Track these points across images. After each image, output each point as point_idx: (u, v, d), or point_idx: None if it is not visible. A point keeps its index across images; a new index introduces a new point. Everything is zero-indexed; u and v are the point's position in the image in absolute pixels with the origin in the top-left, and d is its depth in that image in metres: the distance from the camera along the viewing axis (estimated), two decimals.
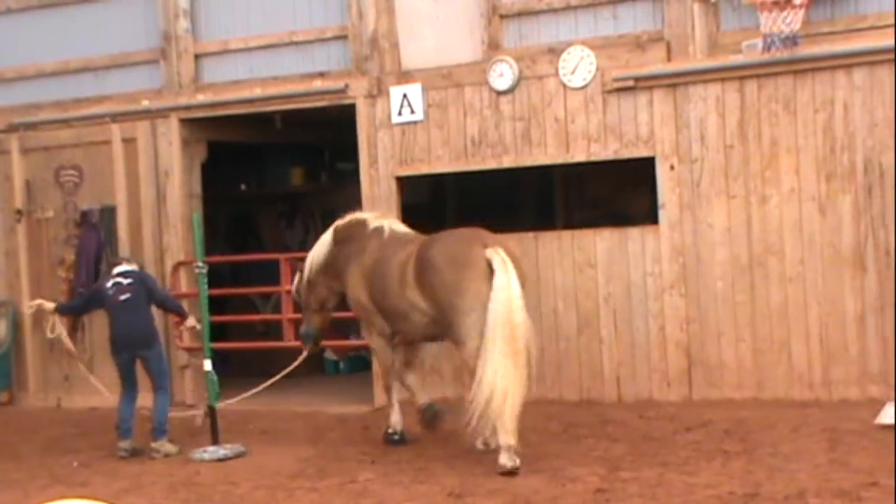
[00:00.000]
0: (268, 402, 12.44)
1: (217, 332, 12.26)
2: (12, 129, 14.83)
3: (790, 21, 11.04)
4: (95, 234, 14.18)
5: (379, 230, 10.84)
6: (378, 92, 13.03)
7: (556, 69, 12.25)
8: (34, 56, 15.01)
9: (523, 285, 9.70)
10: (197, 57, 14.14)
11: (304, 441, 11.23)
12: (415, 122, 12.89)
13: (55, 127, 14.66)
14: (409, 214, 13.14)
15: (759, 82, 11.51)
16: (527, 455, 9.88)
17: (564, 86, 12.24)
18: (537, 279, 12.36)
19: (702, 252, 11.78)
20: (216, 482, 9.77)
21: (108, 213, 14.18)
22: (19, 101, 15.03)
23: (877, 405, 10.43)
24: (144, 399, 11.36)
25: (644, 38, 12.02)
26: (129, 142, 14.16)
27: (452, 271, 9.79)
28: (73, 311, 12.46)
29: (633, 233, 12.15)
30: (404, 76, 12.94)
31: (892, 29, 10.82)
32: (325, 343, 12.99)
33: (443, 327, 10.07)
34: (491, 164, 12.68)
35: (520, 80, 12.39)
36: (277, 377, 11.95)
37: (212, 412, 11.08)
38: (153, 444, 10.99)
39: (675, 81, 11.80)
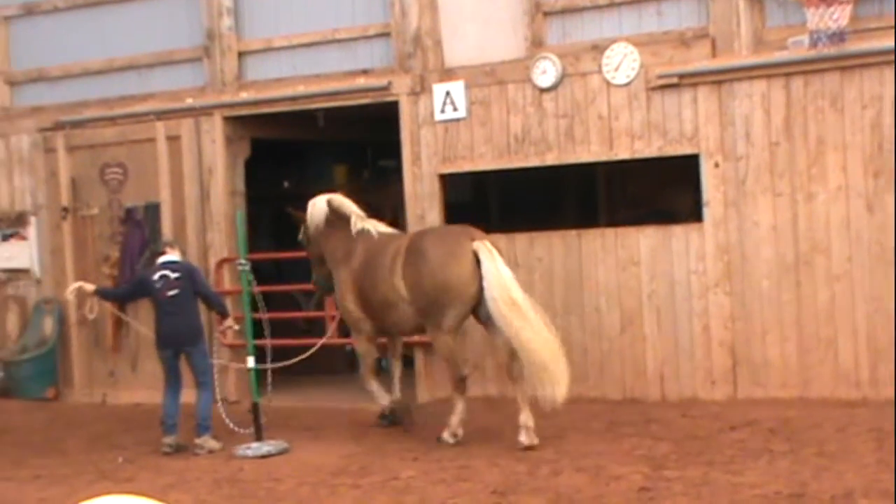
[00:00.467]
0: (311, 398, 12.47)
1: (260, 329, 12.28)
2: (58, 127, 14.96)
3: (837, 17, 10.92)
4: (140, 231, 14.29)
5: (365, 233, 11.47)
6: (421, 89, 13.02)
7: (600, 66, 12.19)
8: (80, 55, 15.15)
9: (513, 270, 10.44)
10: (240, 55, 14.19)
11: (347, 438, 11.25)
12: (458, 120, 12.87)
13: (100, 125, 14.77)
14: (452, 212, 13.15)
15: (806, 79, 11.40)
16: (570, 453, 9.88)
17: (608, 83, 12.18)
18: (580, 277, 12.33)
19: (747, 250, 11.69)
20: (259, 478, 9.81)
21: (153, 210, 14.26)
22: (65, 99, 15.16)
23: None
24: (187, 395, 11.41)
25: (689, 34, 11.94)
26: (173, 139, 14.24)
27: (438, 261, 10.52)
28: (116, 298, 12.51)
29: (677, 230, 12.07)
30: (447, 73, 12.93)
31: None
32: None
33: (421, 315, 10.75)
34: (534, 162, 12.64)
35: (563, 77, 12.34)
36: (300, 357, 12.25)
37: (254, 408, 11.12)
38: (196, 441, 11.04)
39: (720, 78, 11.71)
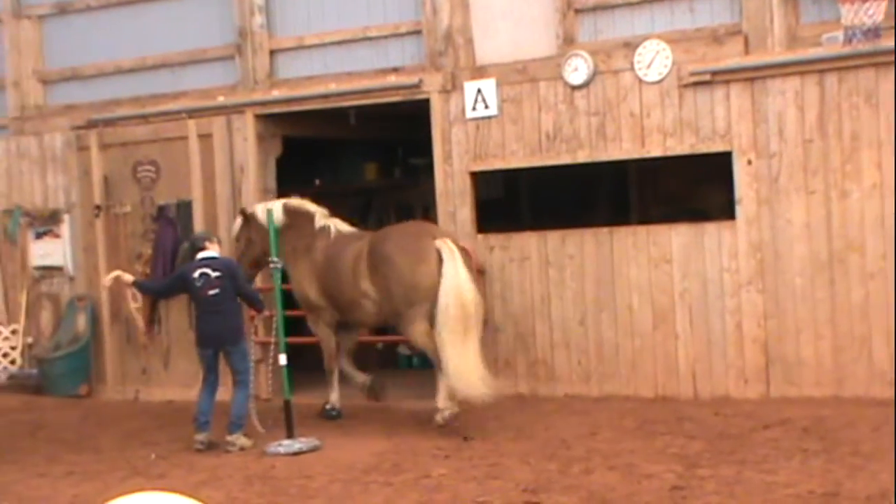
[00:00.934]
0: (342, 396, 12.48)
1: (292, 327, 12.32)
2: (91, 125, 15.03)
3: (872, 13, 10.83)
4: (172, 228, 14.33)
5: (325, 230, 12.10)
6: (452, 87, 13.01)
7: (632, 63, 12.14)
8: (113, 53, 15.24)
9: (470, 271, 11.05)
10: (272, 53, 14.23)
11: (379, 435, 11.25)
12: (489, 118, 12.86)
13: (133, 123, 14.83)
14: (484, 210, 13.14)
15: (840, 75, 11.32)
16: (601, 451, 9.85)
17: (640, 80, 12.13)
18: (612, 275, 12.29)
19: (780, 248, 11.62)
20: (291, 476, 9.82)
21: (185, 207, 14.31)
22: (98, 97, 15.24)
23: None
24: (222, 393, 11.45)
25: (721, 31, 11.88)
26: (204, 137, 14.28)
27: (406, 264, 11.13)
28: (154, 292, 12.55)
29: (710, 228, 12.01)
30: (478, 71, 12.91)
31: None
32: (397, 338, 13.36)
33: (392, 314, 11.44)
34: (565, 159, 12.61)
35: (595, 74, 12.30)
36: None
37: (286, 406, 11.13)
38: (228, 438, 11.06)
39: (753, 75, 11.64)
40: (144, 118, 14.77)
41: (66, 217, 15.36)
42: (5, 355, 15.65)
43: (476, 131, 12.94)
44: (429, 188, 13.63)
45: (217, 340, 11.08)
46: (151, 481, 9.69)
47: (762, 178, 11.67)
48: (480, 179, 13.19)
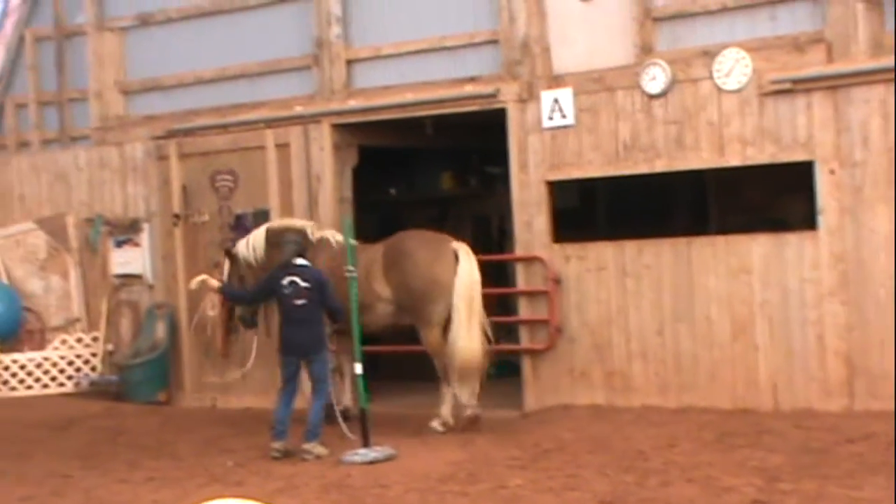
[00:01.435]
0: (417, 405, 12.49)
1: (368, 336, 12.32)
2: (171, 135, 15.22)
3: None
4: None
5: (325, 241, 12.39)
6: (529, 96, 12.96)
7: (711, 72, 12.01)
8: (192, 64, 15.42)
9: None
10: (349, 63, 14.29)
11: (454, 445, 11.22)
12: (566, 127, 12.79)
13: (212, 133, 15.00)
14: (560, 219, 13.07)
15: None
16: (679, 463, 9.73)
17: (719, 89, 11.99)
18: (690, 285, 12.15)
19: (864, 258, 11.40)
20: (367, 485, 9.82)
21: (262, 217, 14.38)
22: (178, 107, 15.44)
23: None
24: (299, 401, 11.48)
25: (803, 39, 11.70)
26: (282, 147, 14.40)
27: (427, 259, 11.83)
28: (240, 298, 12.55)
29: (791, 238, 11.83)
30: (555, 80, 12.85)
31: None
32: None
33: (409, 311, 11.95)
34: (643, 169, 12.50)
35: (673, 83, 12.18)
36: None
37: (362, 415, 11.14)
38: (304, 446, 11.09)
39: (836, 83, 11.45)
40: (223, 128, 14.91)
41: (145, 226, 15.56)
42: (86, 362, 15.89)
43: (552, 141, 12.88)
44: (505, 197, 13.59)
45: (302, 349, 11.13)
46: (229, 488, 9.75)
47: (845, 187, 11.47)
48: (557, 189, 13.12)
